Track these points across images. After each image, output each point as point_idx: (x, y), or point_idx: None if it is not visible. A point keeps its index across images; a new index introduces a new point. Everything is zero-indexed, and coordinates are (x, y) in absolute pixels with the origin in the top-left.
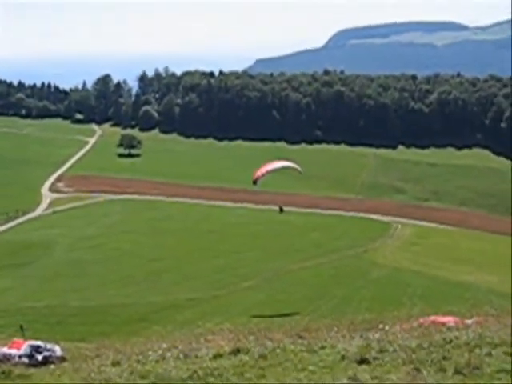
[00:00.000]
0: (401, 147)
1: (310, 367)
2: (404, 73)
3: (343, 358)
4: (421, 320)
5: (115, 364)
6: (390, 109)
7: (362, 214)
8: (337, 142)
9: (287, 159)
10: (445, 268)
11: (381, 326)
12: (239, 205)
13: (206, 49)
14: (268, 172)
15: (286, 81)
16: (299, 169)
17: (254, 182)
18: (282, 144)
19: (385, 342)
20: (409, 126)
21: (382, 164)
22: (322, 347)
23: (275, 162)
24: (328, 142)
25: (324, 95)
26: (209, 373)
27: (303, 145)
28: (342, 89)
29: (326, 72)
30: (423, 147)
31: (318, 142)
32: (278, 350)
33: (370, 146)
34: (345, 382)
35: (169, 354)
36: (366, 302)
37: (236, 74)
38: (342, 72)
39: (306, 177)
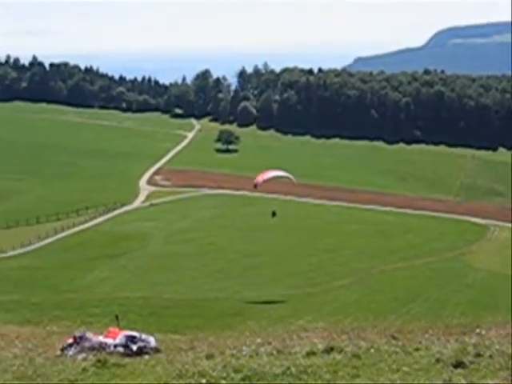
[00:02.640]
0: (501, 149)
1: (405, 368)
2: (505, 73)
3: (438, 360)
4: None
5: (209, 357)
6: (491, 110)
7: (459, 216)
8: (436, 143)
9: (385, 159)
10: None
11: (477, 330)
12: (335, 203)
13: (306, 46)
14: (269, 178)
15: (385, 80)
16: (293, 179)
17: (255, 186)
18: (379, 143)
19: (481, 347)
20: (510, 127)
21: (482, 166)
22: (417, 349)
23: (274, 170)
24: (427, 143)
25: (424, 95)
26: (302, 370)
27: (401, 144)
28: (443, 89)
29: (427, 72)
30: None
31: (417, 142)
32: (371, 350)
33: (470, 147)
34: None
35: (262, 350)
36: (462, 305)
37: (335, 72)
38: (442, 72)
39: (404, 177)
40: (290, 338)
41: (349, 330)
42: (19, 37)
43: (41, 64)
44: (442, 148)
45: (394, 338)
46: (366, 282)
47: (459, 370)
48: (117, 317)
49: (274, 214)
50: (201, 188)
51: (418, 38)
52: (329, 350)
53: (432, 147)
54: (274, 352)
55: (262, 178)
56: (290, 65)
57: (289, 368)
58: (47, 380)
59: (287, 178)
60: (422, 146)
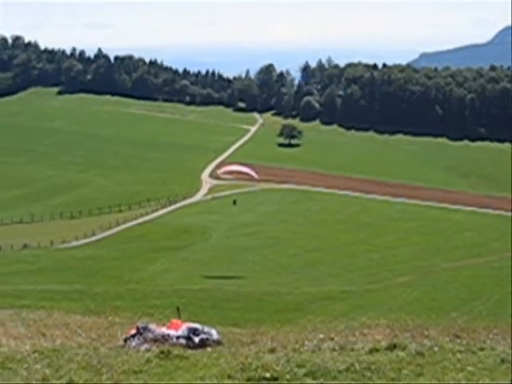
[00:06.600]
0: None
1: (469, 368)
2: None
3: (503, 361)
4: None
5: (272, 351)
6: None
7: None
8: (501, 140)
9: (448, 156)
10: None
11: None
12: (397, 199)
13: (371, 41)
14: (230, 171)
15: (450, 76)
16: (256, 176)
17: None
18: (443, 140)
19: None
20: None
21: None
22: (481, 349)
23: (239, 165)
24: (492, 140)
25: (489, 91)
26: (366, 367)
27: (466, 141)
28: (509, 85)
29: (493, 68)
30: None
31: (482, 139)
32: (435, 348)
33: None
34: None
35: (325, 345)
36: None
37: (399, 67)
38: (508, 68)
39: (467, 175)
40: (353, 334)
41: (411, 328)
42: (85, 30)
43: (106, 57)
44: (506, 146)
45: (458, 336)
46: (428, 279)
47: None
48: (178, 309)
49: (234, 202)
50: (262, 182)
51: (484, 33)
52: (392, 347)
53: (497, 145)
54: (337, 348)
55: (224, 169)
56: (354, 60)
57: (352, 364)
58: (112, 370)
59: (248, 175)
60: (487, 143)
